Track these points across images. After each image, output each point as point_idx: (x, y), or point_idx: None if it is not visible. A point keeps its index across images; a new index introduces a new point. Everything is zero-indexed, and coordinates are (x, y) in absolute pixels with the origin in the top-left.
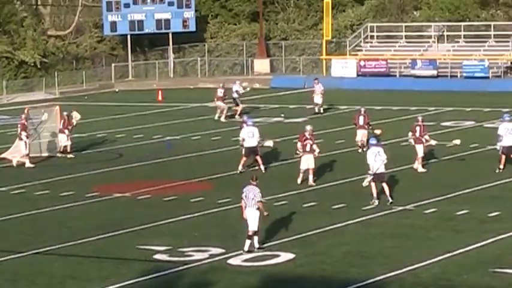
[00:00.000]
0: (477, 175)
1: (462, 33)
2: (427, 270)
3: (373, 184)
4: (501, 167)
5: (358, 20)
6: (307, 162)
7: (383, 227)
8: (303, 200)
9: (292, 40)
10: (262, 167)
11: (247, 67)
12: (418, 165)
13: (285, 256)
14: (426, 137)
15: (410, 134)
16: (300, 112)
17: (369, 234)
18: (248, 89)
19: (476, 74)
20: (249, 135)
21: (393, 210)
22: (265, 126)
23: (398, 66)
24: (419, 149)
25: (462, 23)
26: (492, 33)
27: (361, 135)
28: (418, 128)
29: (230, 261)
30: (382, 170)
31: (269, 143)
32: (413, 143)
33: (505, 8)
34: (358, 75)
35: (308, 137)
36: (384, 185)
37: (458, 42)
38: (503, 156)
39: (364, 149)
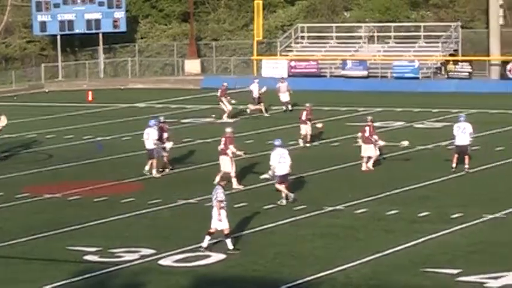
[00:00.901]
0: (407, 175)
1: (392, 34)
2: (358, 270)
3: (281, 186)
4: (453, 165)
5: (289, 20)
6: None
7: (314, 228)
8: (234, 201)
9: (223, 41)
10: (146, 168)
11: (178, 67)
12: (364, 164)
13: (216, 257)
14: (375, 137)
15: (359, 134)
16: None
17: (300, 234)
18: (265, 88)
19: (407, 75)
20: (145, 137)
21: (324, 211)
22: (196, 127)
23: (329, 67)
24: (370, 149)
25: (392, 24)
26: (422, 34)
27: (305, 129)
28: (367, 128)
29: (161, 261)
30: (286, 171)
31: (168, 145)
32: (360, 142)
33: (435, 9)
34: (288, 75)
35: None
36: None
37: (389, 43)
38: (456, 155)
39: (307, 145)
